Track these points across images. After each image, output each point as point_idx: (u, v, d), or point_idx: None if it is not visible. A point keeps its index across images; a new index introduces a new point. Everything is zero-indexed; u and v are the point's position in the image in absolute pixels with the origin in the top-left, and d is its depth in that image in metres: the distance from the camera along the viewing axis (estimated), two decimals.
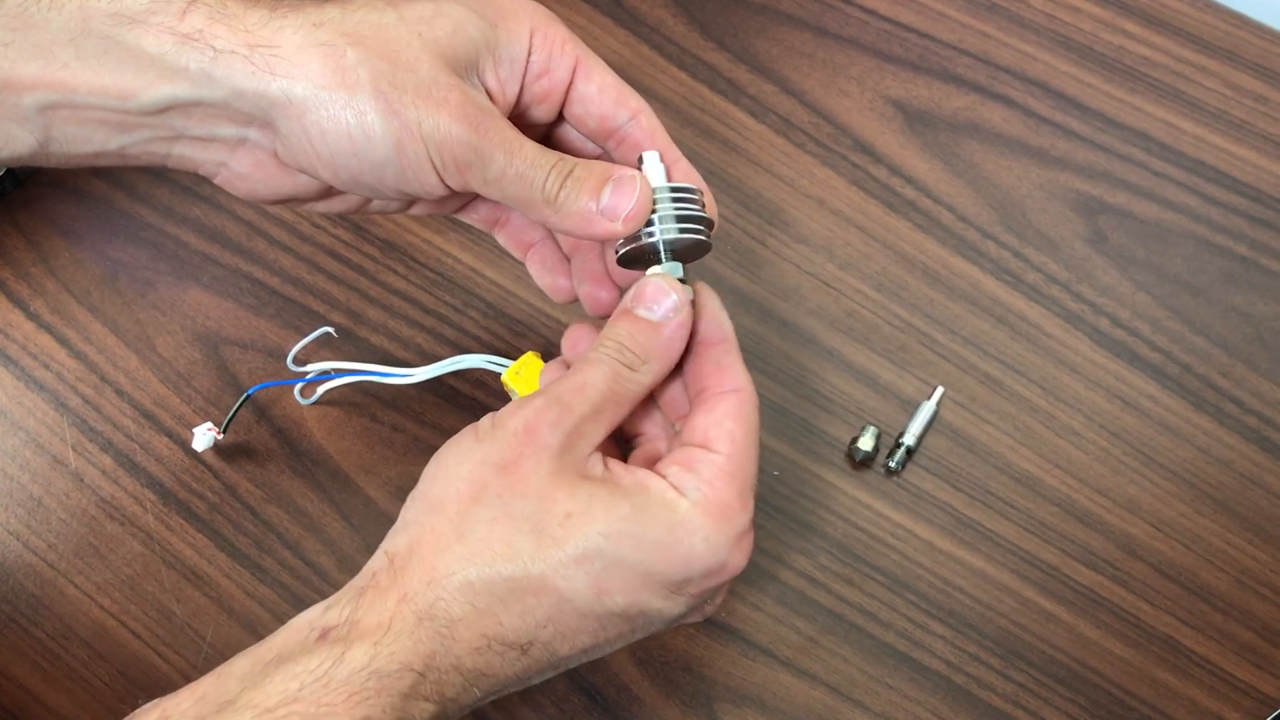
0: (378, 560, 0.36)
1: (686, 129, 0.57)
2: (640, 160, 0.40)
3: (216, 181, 0.40)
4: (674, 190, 0.39)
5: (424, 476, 0.37)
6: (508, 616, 0.35)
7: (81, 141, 0.37)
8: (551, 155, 0.38)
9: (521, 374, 0.49)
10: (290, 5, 0.36)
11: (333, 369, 0.50)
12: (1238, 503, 0.49)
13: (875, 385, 0.51)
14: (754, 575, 0.48)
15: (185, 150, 0.38)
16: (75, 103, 0.36)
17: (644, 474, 0.36)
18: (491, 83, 0.38)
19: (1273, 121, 0.57)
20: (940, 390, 0.51)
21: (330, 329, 0.51)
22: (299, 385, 0.50)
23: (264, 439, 0.50)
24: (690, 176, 0.41)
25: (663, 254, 0.39)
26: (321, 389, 0.50)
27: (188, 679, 0.46)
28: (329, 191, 0.40)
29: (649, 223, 0.39)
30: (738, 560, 0.36)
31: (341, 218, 0.55)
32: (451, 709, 0.35)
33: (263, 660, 0.34)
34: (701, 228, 0.39)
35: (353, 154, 0.36)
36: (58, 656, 0.47)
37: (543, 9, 0.40)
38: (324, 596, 0.47)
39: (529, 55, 0.39)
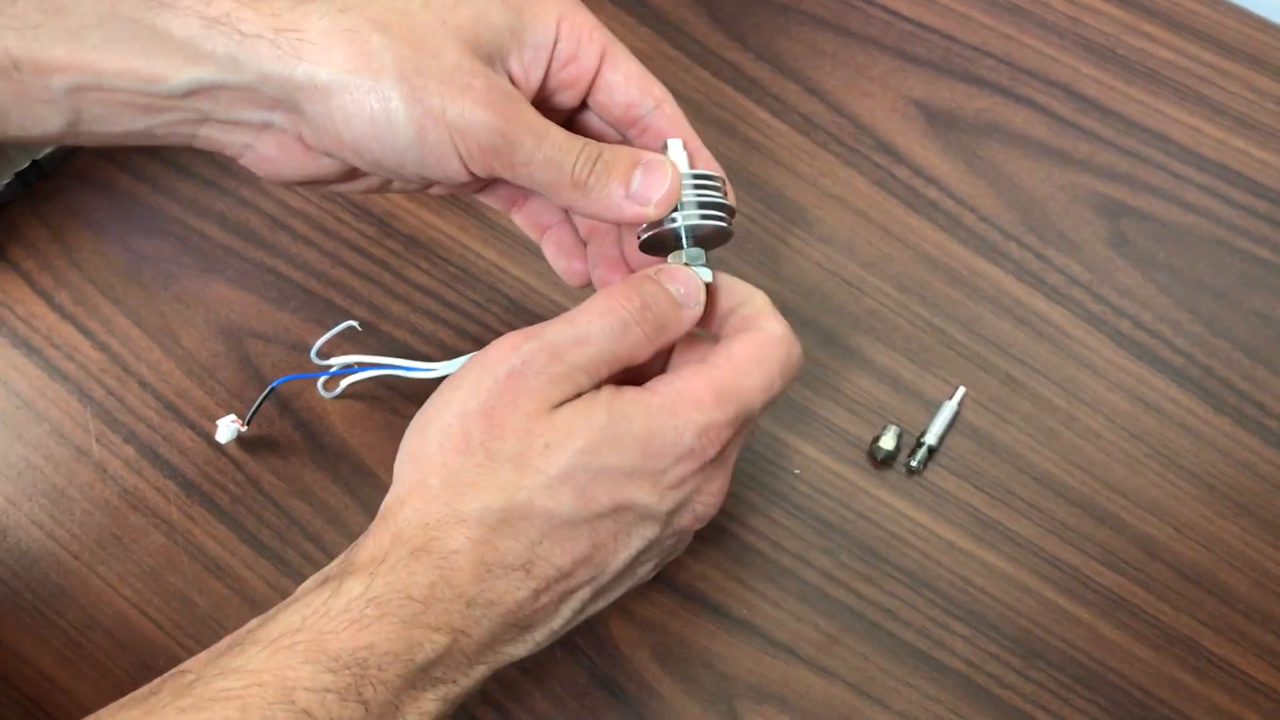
0: (374, 523, 0.37)
1: (709, 127, 0.57)
2: (664, 147, 0.40)
3: (242, 162, 0.40)
4: (697, 177, 0.39)
5: (407, 435, 0.38)
6: (503, 541, 0.35)
7: (109, 122, 0.38)
8: (578, 140, 0.38)
9: None
10: None
11: (356, 363, 0.50)
12: (1259, 505, 0.49)
13: (897, 385, 0.52)
14: (775, 573, 0.48)
15: (212, 132, 0.39)
16: (104, 85, 0.36)
17: (613, 388, 0.37)
18: (516, 69, 0.39)
19: None
20: (962, 390, 0.51)
21: (354, 323, 0.51)
22: (322, 379, 0.50)
23: (287, 432, 0.51)
24: (712, 166, 0.41)
25: (685, 239, 0.39)
26: (344, 382, 0.50)
27: None
28: (352, 173, 0.41)
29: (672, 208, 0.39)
30: (704, 446, 0.37)
31: (363, 207, 0.55)
32: (466, 643, 0.35)
33: (270, 613, 0.35)
34: (724, 214, 0.40)
35: (376, 139, 0.37)
36: (80, 646, 0.47)
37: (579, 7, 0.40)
38: None
39: (555, 42, 0.39)
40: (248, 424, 0.49)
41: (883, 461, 0.50)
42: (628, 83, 0.40)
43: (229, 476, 0.50)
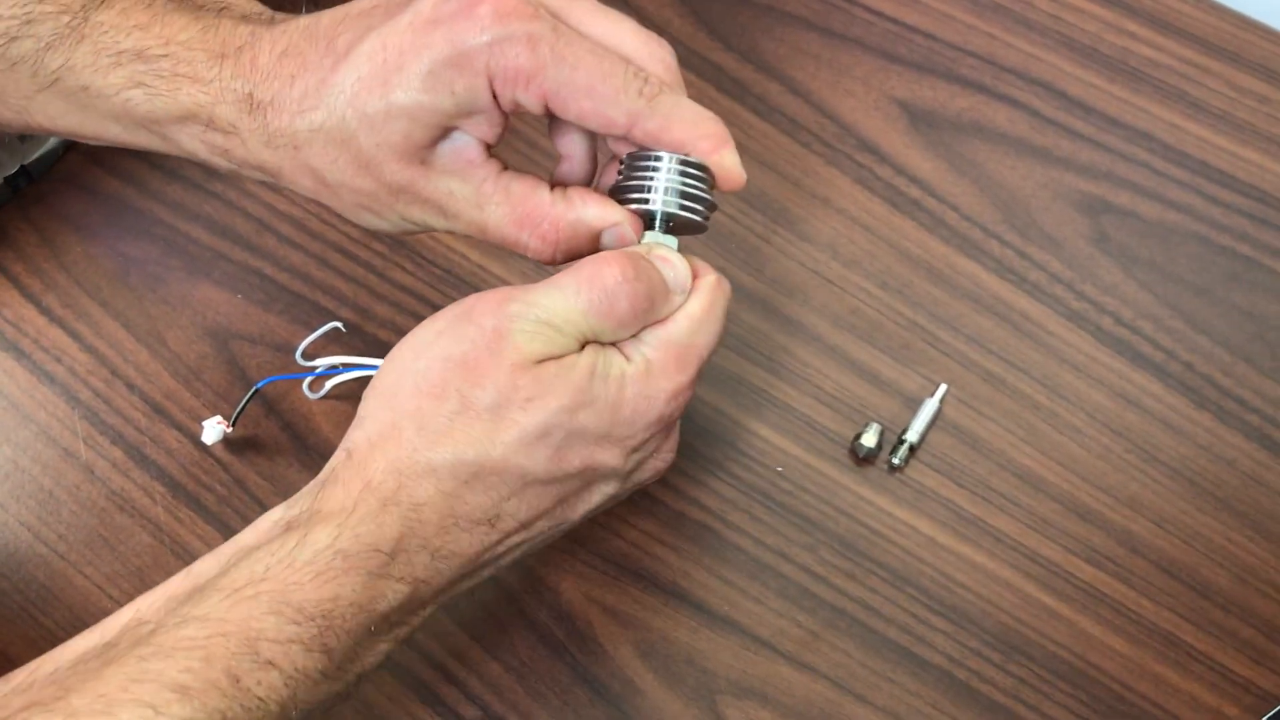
0: (337, 457, 0.38)
1: None
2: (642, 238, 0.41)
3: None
4: (684, 164, 0.39)
5: (382, 370, 0.39)
6: (473, 495, 0.36)
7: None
8: (521, 226, 0.40)
9: None
10: (277, 120, 0.39)
11: (341, 363, 0.51)
12: (1239, 500, 0.50)
13: (879, 382, 0.52)
14: (757, 569, 0.48)
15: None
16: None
17: (596, 347, 0.38)
18: (470, 127, 0.39)
19: (1276, 122, 0.57)
20: (943, 387, 0.51)
21: (339, 324, 0.52)
22: (307, 380, 0.51)
23: (272, 433, 0.51)
24: (719, 155, 0.40)
25: (659, 224, 0.40)
26: (330, 383, 0.51)
27: None
28: None
29: (651, 189, 0.39)
30: (672, 410, 0.39)
31: None
32: (424, 590, 0.36)
33: (227, 554, 0.36)
34: (703, 209, 0.40)
35: (321, 199, 0.42)
36: None
37: (506, 35, 0.37)
38: None
39: (495, 101, 0.38)
40: (233, 425, 0.50)
41: (864, 458, 0.50)
42: (582, 121, 0.39)
43: (215, 477, 0.50)
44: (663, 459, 0.41)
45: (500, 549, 0.38)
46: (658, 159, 0.39)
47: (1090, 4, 0.60)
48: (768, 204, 0.56)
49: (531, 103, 0.38)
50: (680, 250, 0.40)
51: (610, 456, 0.38)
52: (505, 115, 0.39)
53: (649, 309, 0.39)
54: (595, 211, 0.40)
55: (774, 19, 0.60)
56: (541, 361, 0.37)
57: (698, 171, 0.40)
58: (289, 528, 0.36)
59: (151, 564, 0.49)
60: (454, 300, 0.53)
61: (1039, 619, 0.48)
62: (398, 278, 0.54)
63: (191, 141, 0.41)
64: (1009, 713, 0.46)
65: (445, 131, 0.39)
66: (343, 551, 0.34)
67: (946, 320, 0.53)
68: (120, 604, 0.48)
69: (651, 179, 0.39)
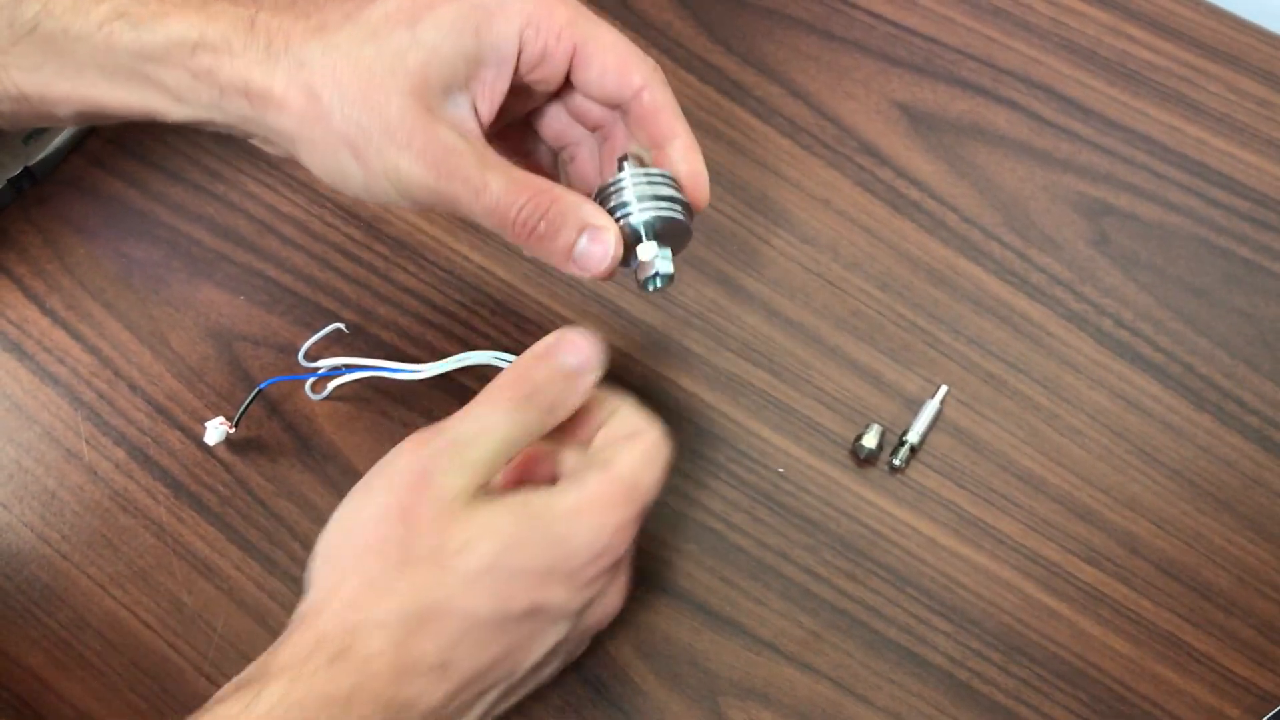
0: (290, 625, 0.37)
1: (694, 131, 0.57)
2: (621, 162, 0.41)
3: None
4: (647, 174, 0.40)
5: (323, 537, 0.39)
6: (422, 642, 0.36)
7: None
8: (521, 192, 0.39)
9: None
10: (283, 39, 0.38)
11: (343, 364, 0.51)
12: (1239, 501, 0.50)
13: (879, 384, 0.52)
14: (759, 570, 0.48)
15: (215, 130, 0.42)
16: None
17: (532, 487, 0.39)
18: (478, 90, 0.39)
19: (1275, 125, 0.57)
20: (944, 389, 0.51)
21: (341, 325, 0.52)
22: (310, 380, 0.51)
23: (275, 433, 0.51)
24: (690, 155, 0.41)
25: (641, 232, 0.40)
26: (332, 384, 0.51)
27: (198, 669, 0.47)
28: None
29: (624, 205, 0.40)
30: (618, 544, 0.39)
31: (351, 211, 0.56)
32: None
33: None
34: (679, 209, 0.40)
35: (335, 183, 0.40)
36: (70, 646, 0.47)
37: None
38: None
39: (520, 51, 0.39)
40: (236, 426, 0.50)
41: (865, 460, 0.50)
42: (603, 78, 0.40)
43: (218, 478, 0.50)
44: (611, 601, 0.41)
45: (457, 701, 0.37)
46: (620, 176, 0.40)
47: (1090, 7, 0.61)
48: (769, 206, 0.56)
49: (559, 55, 0.39)
50: (676, 260, 0.41)
51: (557, 594, 0.38)
52: (512, 82, 0.40)
53: (555, 407, 0.39)
54: (590, 208, 0.40)
55: (775, 22, 0.61)
56: (474, 497, 0.37)
57: (661, 176, 0.40)
58: (241, 687, 0.35)
59: (154, 564, 0.49)
60: (456, 302, 0.54)
61: (1040, 620, 0.48)
62: (400, 279, 0.54)
63: (175, 73, 0.39)
64: (1010, 713, 0.46)
65: (459, 81, 0.39)
66: (298, 703, 0.34)
67: (947, 322, 0.53)
68: (122, 604, 0.48)
69: (622, 193, 0.40)
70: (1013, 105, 0.58)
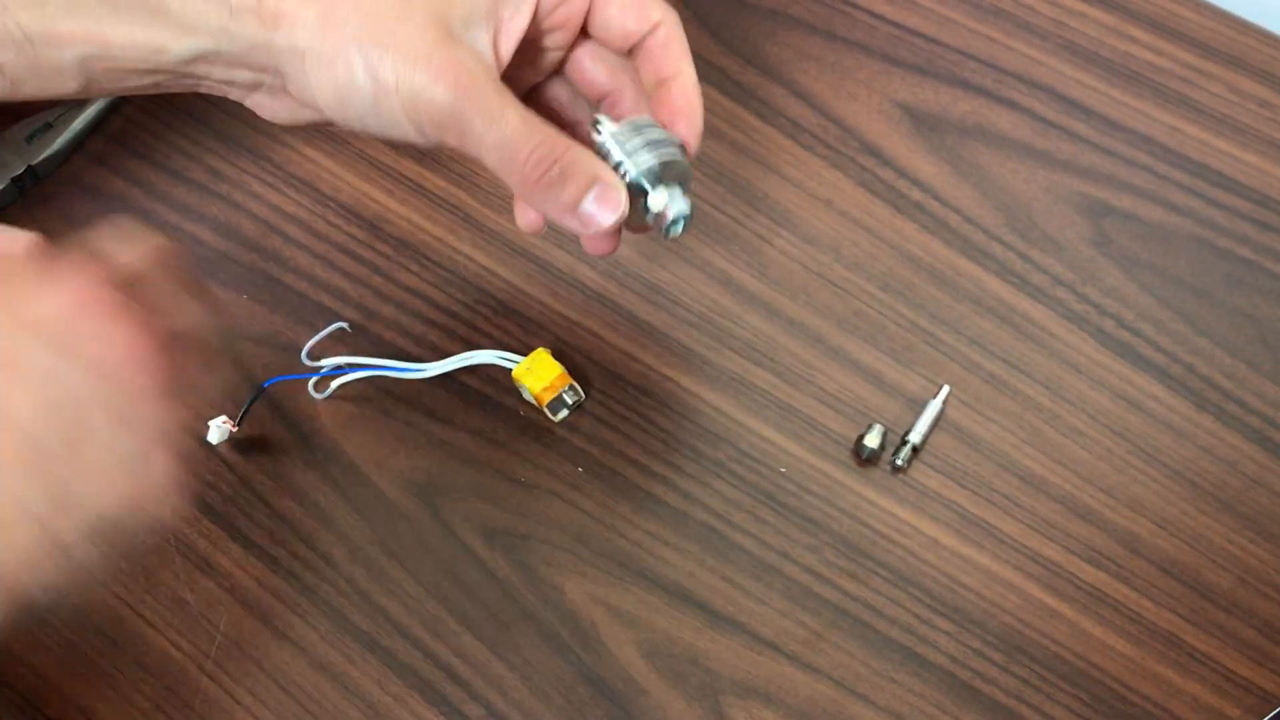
0: None
1: None
2: (596, 121, 0.40)
3: (245, 104, 0.42)
4: (628, 127, 0.39)
5: None
6: None
7: (117, 82, 0.40)
8: (535, 133, 0.38)
9: (532, 369, 0.49)
10: None
11: (346, 364, 0.51)
12: (1240, 502, 0.50)
13: (881, 384, 0.52)
14: (761, 570, 0.48)
15: (212, 85, 0.40)
16: (110, 55, 0.38)
17: None
18: (497, 27, 0.39)
19: (1277, 126, 0.57)
20: (946, 389, 0.51)
21: (344, 324, 0.52)
22: (313, 380, 0.51)
23: (278, 432, 0.51)
24: (689, 91, 0.41)
25: (645, 184, 0.39)
26: (335, 384, 0.51)
27: (201, 668, 0.47)
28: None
29: (619, 164, 0.39)
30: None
31: (354, 210, 0.56)
32: None
33: None
34: (671, 149, 0.39)
35: (341, 102, 0.38)
36: (74, 644, 0.48)
37: None
38: (335, 587, 0.48)
39: None
40: (239, 425, 0.50)
41: (867, 459, 0.50)
42: (623, 14, 0.40)
43: (220, 477, 0.50)
44: (106, 343, 0.37)
45: None
46: (601, 138, 0.40)
47: (1091, 9, 0.61)
48: (771, 206, 0.56)
49: None
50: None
51: None
52: (530, 26, 0.39)
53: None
54: (602, 165, 0.39)
55: (777, 23, 0.61)
56: None
57: (645, 123, 0.40)
58: None
59: (158, 563, 0.49)
60: (459, 302, 0.54)
61: (1041, 620, 0.48)
62: (403, 279, 0.54)
63: None
64: (1011, 713, 0.46)
65: (480, 14, 0.38)
66: None
67: (949, 322, 0.53)
68: (125, 602, 0.48)
69: (611, 152, 0.39)
70: (1015, 106, 0.58)
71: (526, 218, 0.44)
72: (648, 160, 0.39)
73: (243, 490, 0.50)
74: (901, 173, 0.57)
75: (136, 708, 0.46)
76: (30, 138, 0.56)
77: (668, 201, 0.40)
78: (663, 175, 0.40)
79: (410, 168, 0.57)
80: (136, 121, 0.59)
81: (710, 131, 0.57)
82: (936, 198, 0.56)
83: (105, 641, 0.48)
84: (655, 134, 0.40)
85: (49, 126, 0.57)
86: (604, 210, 0.39)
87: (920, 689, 0.47)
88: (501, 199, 0.56)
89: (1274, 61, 0.59)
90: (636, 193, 0.40)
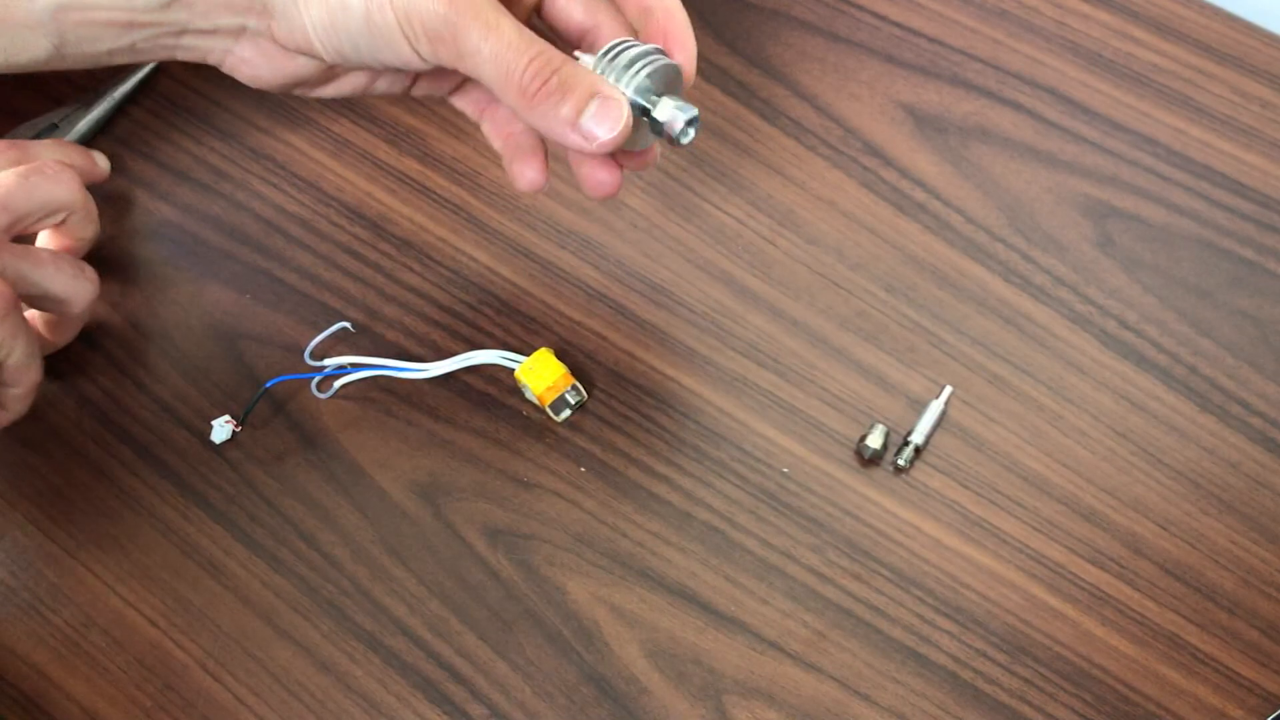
0: None
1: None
2: (576, 57, 0.40)
3: (224, 68, 0.41)
4: (607, 52, 0.39)
5: None
6: None
7: (93, 42, 0.38)
8: (533, 44, 0.37)
9: (535, 369, 0.49)
10: None
11: (349, 363, 0.51)
12: (1244, 503, 0.50)
13: (884, 384, 0.52)
14: (763, 570, 0.48)
15: (192, 41, 0.39)
16: (84, 4, 0.37)
17: None
18: None
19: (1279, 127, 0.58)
20: (949, 389, 0.51)
21: (347, 324, 0.52)
22: (316, 379, 0.51)
23: (281, 432, 0.51)
24: (674, 19, 0.41)
25: (643, 101, 0.39)
26: (338, 383, 0.51)
27: (203, 667, 0.47)
28: (329, 74, 0.41)
29: (614, 83, 0.39)
30: None
31: (357, 210, 0.56)
32: None
33: None
34: (655, 57, 0.39)
35: (332, 26, 0.37)
36: (77, 644, 0.48)
37: None
38: (338, 586, 0.48)
39: None
40: (242, 424, 0.50)
41: (870, 460, 0.50)
42: None
43: (223, 476, 0.50)
44: None
45: None
46: (586, 64, 0.39)
47: (1094, 9, 0.61)
48: (774, 207, 0.56)
49: None
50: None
51: None
52: None
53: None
54: (601, 79, 0.38)
55: (780, 23, 0.61)
56: None
57: (624, 42, 0.39)
58: None
59: (160, 563, 0.49)
60: (462, 302, 0.54)
61: (1044, 620, 0.48)
62: (406, 278, 0.54)
63: None
64: (1014, 713, 0.46)
65: None
66: None
67: (951, 323, 0.53)
68: (128, 601, 0.48)
69: (604, 76, 0.39)
70: (1017, 107, 0.58)
71: (525, 175, 0.43)
72: (638, 77, 0.38)
73: (245, 490, 0.50)
74: (904, 173, 0.57)
75: (139, 707, 0.46)
76: (36, 138, 0.56)
77: (674, 110, 0.39)
78: (656, 87, 0.39)
79: (413, 168, 0.57)
80: (141, 122, 0.59)
81: (713, 131, 0.58)
82: (939, 198, 0.56)
83: (108, 640, 0.48)
84: (634, 51, 0.39)
85: (54, 127, 0.57)
86: (605, 124, 0.38)
87: (923, 689, 0.47)
88: (505, 199, 0.56)
89: (1277, 62, 0.59)
90: (639, 113, 0.39)
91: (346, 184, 0.57)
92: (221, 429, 0.50)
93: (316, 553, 0.49)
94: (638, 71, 0.39)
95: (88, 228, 0.50)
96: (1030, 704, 0.46)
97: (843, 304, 0.54)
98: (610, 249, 0.55)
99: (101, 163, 0.53)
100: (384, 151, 0.58)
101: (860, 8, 0.61)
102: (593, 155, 0.39)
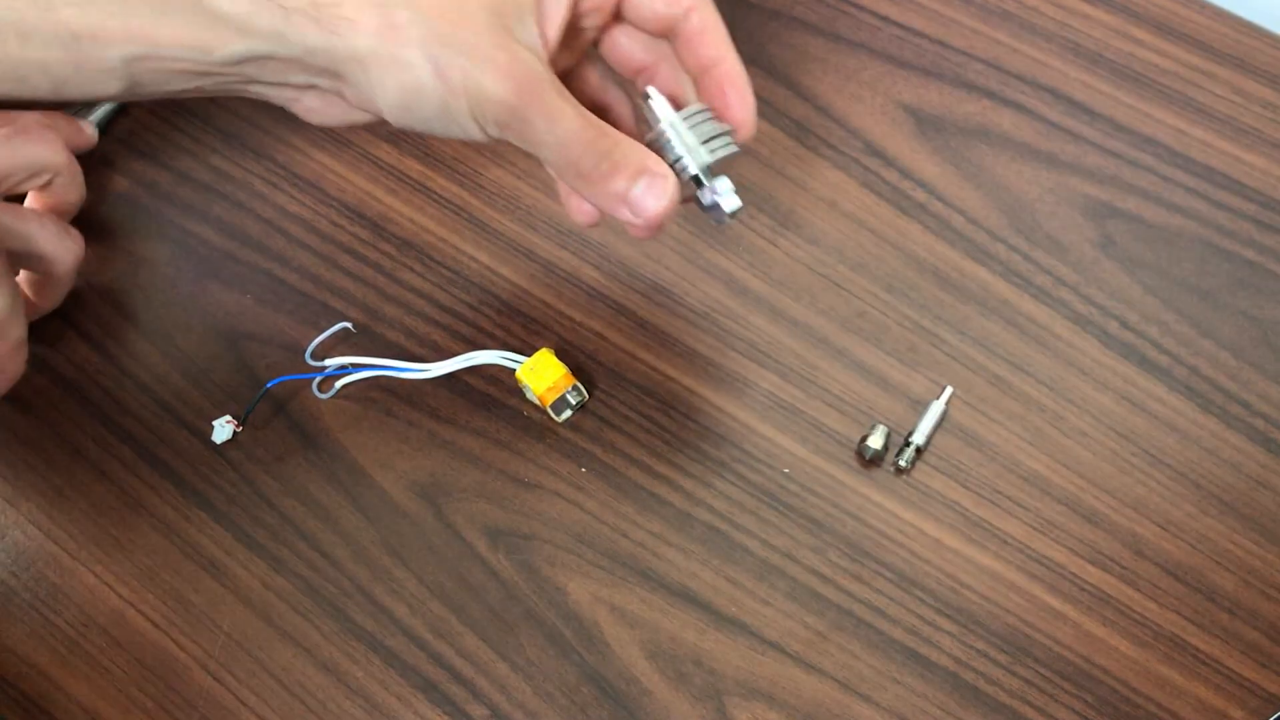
0: None
1: None
2: (646, 96, 0.41)
3: (290, 110, 0.42)
4: (686, 118, 0.40)
5: None
6: None
7: (162, 85, 0.39)
8: (591, 129, 0.39)
9: (535, 369, 0.49)
10: None
11: (350, 364, 0.51)
12: (1245, 504, 0.50)
13: (885, 385, 0.52)
14: (764, 571, 0.48)
15: (260, 90, 0.40)
16: (157, 55, 0.38)
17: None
18: (543, 16, 0.39)
19: None
20: (949, 390, 0.51)
21: (348, 324, 0.52)
22: (317, 380, 0.51)
23: (281, 432, 0.51)
24: (736, 81, 0.41)
25: (702, 178, 0.40)
26: (338, 384, 0.51)
27: (204, 667, 0.47)
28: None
29: (678, 157, 0.40)
30: None
31: (357, 210, 0.56)
32: None
33: None
34: (726, 140, 0.41)
35: (405, 106, 0.38)
36: (77, 644, 0.48)
37: None
38: (339, 587, 0.48)
39: None
40: (243, 425, 0.50)
41: (871, 460, 0.50)
42: None
43: (224, 476, 0.50)
44: None
45: None
46: (660, 128, 0.40)
47: (1096, 10, 0.61)
48: (775, 207, 0.56)
49: None
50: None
51: None
52: (570, 10, 0.40)
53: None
54: (651, 155, 0.39)
55: (781, 24, 0.61)
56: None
57: (701, 113, 0.40)
58: None
59: (161, 563, 0.49)
60: (463, 302, 0.54)
61: (1045, 621, 0.48)
62: (406, 279, 0.54)
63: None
64: (1015, 714, 0.46)
65: (529, 4, 0.38)
66: None
67: (952, 323, 0.53)
68: (129, 602, 0.48)
69: (671, 144, 0.40)
70: (1019, 108, 0.58)
71: (581, 211, 0.44)
72: (706, 157, 0.40)
73: (246, 490, 0.50)
74: (905, 174, 0.57)
75: (140, 708, 0.46)
76: None
77: (729, 196, 0.41)
78: (716, 167, 0.41)
79: (414, 168, 0.57)
80: (142, 122, 0.59)
81: None
82: (940, 199, 0.56)
83: (108, 641, 0.48)
84: (710, 127, 0.41)
85: None
86: (652, 199, 0.39)
87: (924, 690, 0.47)
88: (505, 199, 0.56)
89: (1278, 63, 0.59)
90: (694, 183, 0.41)
91: (347, 184, 0.57)
92: (222, 429, 0.50)
93: (317, 553, 0.49)
94: (711, 151, 0.40)
95: (72, 191, 0.51)
96: (1031, 705, 0.46)
97: (843, 304, 0.54)
98: (611, 249, 0.55)
99: (88, 129, 0.54)
100: (385, 152, 0.58)
101: (862, 8, 0.61)
102: (641, 230, 0.40)
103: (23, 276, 0.50)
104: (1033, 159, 0.57)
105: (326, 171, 0.57)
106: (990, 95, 0.59)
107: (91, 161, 0.57)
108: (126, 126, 0.59)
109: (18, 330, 0.46)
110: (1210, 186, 0.56)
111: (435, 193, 0.57)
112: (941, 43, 0.60)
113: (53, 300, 0.52)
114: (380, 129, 0.58)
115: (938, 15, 0.61)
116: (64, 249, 0.49)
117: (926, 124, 0.58)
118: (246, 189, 0.57)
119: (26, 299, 0.50)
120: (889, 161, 0.57)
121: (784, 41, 0.60)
